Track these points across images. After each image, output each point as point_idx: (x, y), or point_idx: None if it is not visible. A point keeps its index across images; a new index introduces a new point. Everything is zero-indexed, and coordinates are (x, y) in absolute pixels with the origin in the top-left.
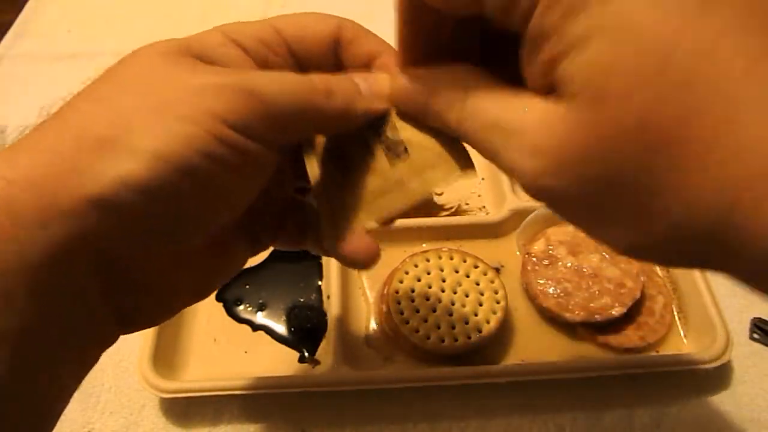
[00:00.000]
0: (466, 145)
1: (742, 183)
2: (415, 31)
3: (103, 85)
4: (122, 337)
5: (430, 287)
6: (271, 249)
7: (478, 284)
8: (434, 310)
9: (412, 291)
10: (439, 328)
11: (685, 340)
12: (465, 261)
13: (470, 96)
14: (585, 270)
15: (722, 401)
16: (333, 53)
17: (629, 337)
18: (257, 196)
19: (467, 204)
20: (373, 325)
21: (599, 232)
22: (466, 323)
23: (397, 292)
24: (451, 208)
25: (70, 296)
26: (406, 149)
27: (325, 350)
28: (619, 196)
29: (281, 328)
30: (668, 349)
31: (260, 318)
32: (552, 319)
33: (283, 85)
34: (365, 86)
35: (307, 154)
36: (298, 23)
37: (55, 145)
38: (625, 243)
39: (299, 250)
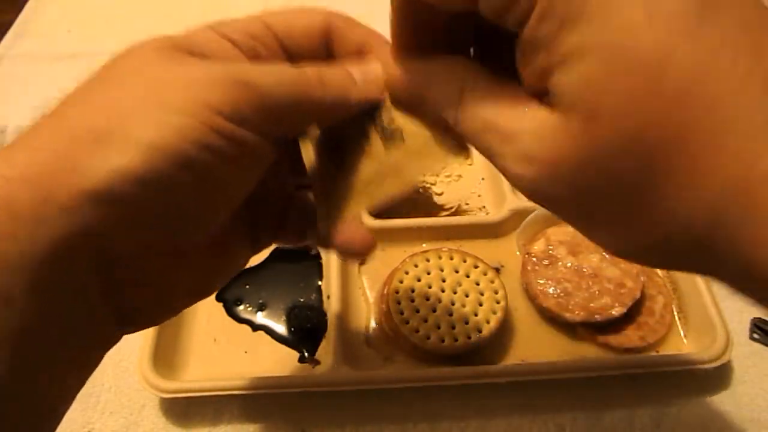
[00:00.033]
0: None
1: (728, 198)
2: (409, 22)
3: (97, 81)
4: (123, 338)
5: (430, 287)
6: (271, 249)
7: (478, 284)
8: (434, 310)
9: (412, 291)
10: (439, 328)
11: (685, 340)
12: (465, 261)
13: (467, 95)
14: (585, 270)
15: (722, 401)
16: (324, 46)
17: (629, 337)
18: (257, 193)
19: (467, 204)
20: (373, 325)
21: (590, 234)
22: (466, 323)
23: (397, 292)
24: (451, 208)
25: (71, 295)
26: (402, 134)
27: (325, 350)
28: (610, 205)
29: (281, 328)
30: (668, 349)
31: (260, 318)
32: (552, 319)
33: (276, 76)
34: (358, 75)
35: (303, 141)
36: (287, 17)
37: (51, 141)
38: (614, 247)
39: (299, 250)
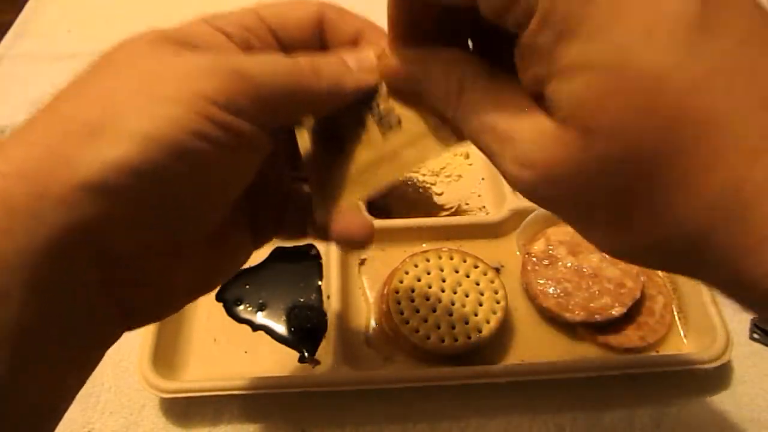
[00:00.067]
0: None
1: (719, 209)
2: (407, 11)
3: (90, 74)
4: (122, 337)
5: (430, 287)
6: (271, 249)
7: (478, 284)
8: (434, 310)
9: (412, 291)
10: (439, 328)
11: (685, 340)
12: (465, 261)
13: (466, 93)
14: (585, 270)
15: (722, 401)
16: (317, 37)
17: (629, 337)
18: (255, 186)
19: (467, 204)
20: (373, 325)
21: (585, 234)
22: (466, 323)
23: (397, 292)
24: (451, 208)
25: (70, 291)
26: (399, 121)
27: (325, 350)
28: (604, 210)
29: (281, 328)
30: (668, 349)
31: (260, 318)
32: (552, 319)
33: (271, 66)
34: (353, 62)
35: (299, 130)
36: (280, 9)
37: (45, 135)
38: (609, 248)
39: (299, 250)
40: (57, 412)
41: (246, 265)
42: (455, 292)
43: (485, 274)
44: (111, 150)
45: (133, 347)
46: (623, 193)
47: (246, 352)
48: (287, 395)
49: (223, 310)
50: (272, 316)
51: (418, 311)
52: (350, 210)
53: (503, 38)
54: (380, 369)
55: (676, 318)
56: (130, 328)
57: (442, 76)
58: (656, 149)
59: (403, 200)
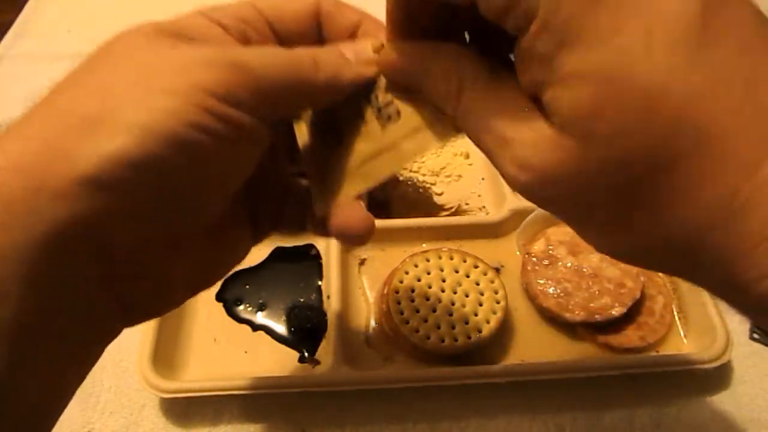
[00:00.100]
0: None
1: (713, 216)
2: (404, 6)
3: (86, 67)
4: (122, 337)
5: (430, 287)
6: (271, 249)
7: (478, 284)
8: (434, 310)
9: (412, 291)
10: (439, 328)
11: (685, 340)
12: (465, 261)
13: (466, 92)
14: (585, 270)
15: (722, 401)
16: (314, 29)
17: (629, 337)
18: (255, 179)
19: (467, 204)
20: (373, 325)
21: (582, 234)
22: (466, 323)
23: (397, 292)
24: (451, 208)
25: (69, 286)
26: (398, 112)
27: (325, 350)
28: (600, 213)
29: (281, 328)
30: (668, 349)
31: (260, 318)
32: (552, 319)
33: (269, 58)
34: (352, 55)
35: (297, 123)
36: (277, 2)
37: (42, 129)
38: (605, 249)
39: (299, 250)
40: (56, 410)
41: (246, 265)
42: (455, 292)
43: (485, 274)
44: (109, 143)
45: (133, 347)
46: (621, 197)
47: (246, 352)
48: (287, 395)
49: (223, 310)
50: (272, 316)
51: (418, 311)
52: (350, 204)
53: (502, 34)
54: (380, 369)
55: (676, 318)
56: (130, 323)
57: (441, 75)
58: (654, 158)
59: (403, 200)
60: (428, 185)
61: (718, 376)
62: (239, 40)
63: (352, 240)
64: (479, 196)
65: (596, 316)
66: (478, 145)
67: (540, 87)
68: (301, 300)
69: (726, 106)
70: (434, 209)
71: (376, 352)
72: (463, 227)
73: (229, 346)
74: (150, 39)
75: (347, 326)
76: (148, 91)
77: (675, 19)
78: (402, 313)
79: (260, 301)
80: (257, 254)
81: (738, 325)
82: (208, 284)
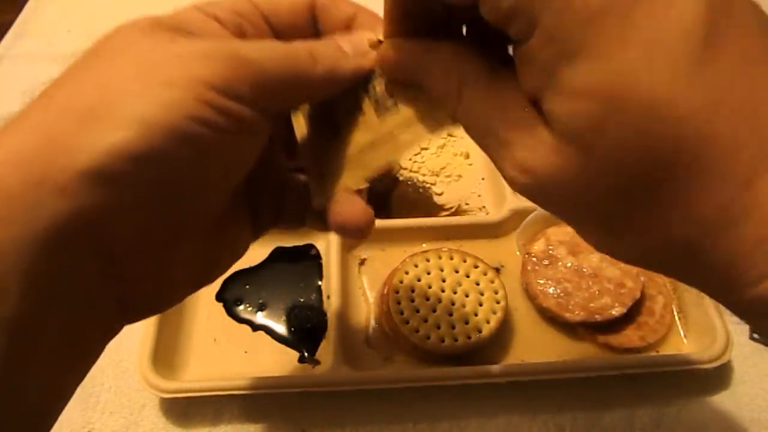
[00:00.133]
0: None
1: (709, 225)
2: (403, 2)
3: (85, 61)
4: (122, 337)
5: (430, 287)
6: (271, 249)
7: (478, 284)
8: (434, 310)
9: (412, 291)
10: (439, 328)
11: (685, 340)
12: (465, 261)
13: (466, 91)
14: (585, 270)
15: (722, 401)
16: (310, 23)
17: (629, 337)
18: (254, 174)
19: (467, 204)
20: (373, 325)
21: (581, 234)
22: (466, 323)
23: (397, 292)
24: (451, 208)
25: (69, 282)
26: (395, 103)
27: (325, 350)
28: (598, 216)
29: (281, 328)
30: (668, 349)
31: (260, 318)
32: (552, 319)
33: (268, 51)
34: (349, 46)
35: (295, 115)
36: None
37: (42, 123)
38: (605, 249)
39: (299, 250)
40: (56, 409)
41: (246, 265)
42: (455, 292)
43: (485, 274)
44: (110, 136)
45: (133, 347)
46: (619, 202)
47: (246, 352)
48: (287, 395)
49: (223, 310)
50: (272, 316)
51: (418, 311)
52: (349, 198)
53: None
54: (380, 369)
55: (676, 318)
56: (131, 320)
57: (441, 74)
58: (652, 171)
59: (403, 200)
60: (428, 185)
61: (718, 376)
62: (235, 34)
63: (353, 233)
64: (479, 196)
65: (596, 316)
66: (478, 143)
67: (540, 93)
68: (301, 300)
69: (725, 122)
70: (434, 209)
71: (376, 352)
72: (463, 227)
73: (229, 346)
74: (148, 33)
75: (347, 326)
76: (148, 84)
77: (678, 35)
78: (402, 313)
79: (260, 301)
80: (257, 254)
81: (738, 325)
82: (209, 280)
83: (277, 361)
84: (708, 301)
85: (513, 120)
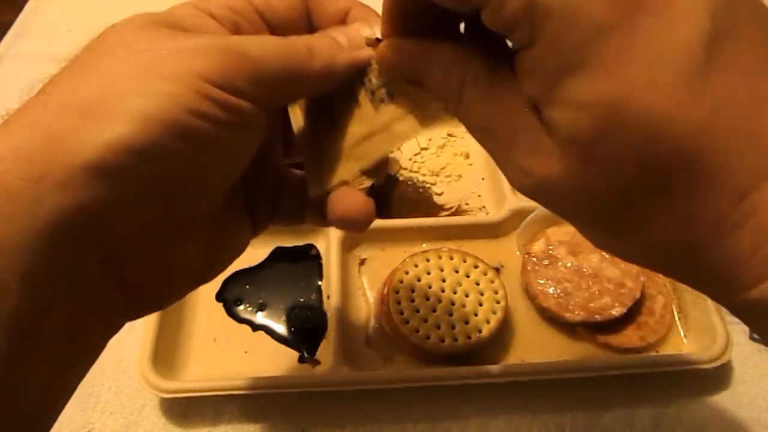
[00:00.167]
0: None
1: (706, 233)
2: (402, 1)
3: (83, 57)
4: (122, 337)
5: (430, 287)
6: (271, 249)
7: (478, 284)
8: (434, 310)
9: (412, 291)
10: (439, 328)
11: (685, 340)
12: (465, 261)
13: (467, 91)
14: (585, 270)
15: (722, 401)
16: (304, 18)
17: (629, 337)
18: (253, 169)
19: (467, 204)
20: (373, 325)
21: (583, 233)
22: (466, 323)
23: (397, 292)
24: (451, 208)
25: (70, 278)
26: (392, 94)
27: (325, 350)
28: (597, 216)
29: (281, 328)
30: (668, 349)
31: (260, 318)
32: (552, 319)
33: (265, 46)
34: (344, 39)
35: (291, 107)
36: None
37: (42, 118)
38: (606, 248)
39: (299, 250)
40: (56, 408)
41: (246, 265)
42: (455, 292)
43: (485, 274)
44: (110, 130)
45: (133, 347)
46: (619, 206)
47: (246, 352)
48: (287, 395)
49: (223, 310)
50: (272, 316)
51: (418, 311)
52: (349, 190)
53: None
54: (380, 369)
55: (676, 318)
56: (132, 316)
57: (441, 74)
58: (651, 181)
59: (403, 200)
60: (428, 185)
61: (718, 376)
62: (231, 30)
63: (354, 226)
64: (479, 196)
65: (596, 316)
66: (479, 142)
67: (540, 101)
68: (301, 300)
69: (723, 138)
70: (434, 209)
71: (376, 352)
72: (463, 227)
73: (229, 346)
74: (146, 29)
75: (347, 326)
76: (147, 79)
77: (680, 53)
78: (402, 313)
79: (260, 301)
80: (257, 254)
81: (738, 325)
82: (210, 277)
83: (277, 361)
84: (708, 301)
85: (513, 122)
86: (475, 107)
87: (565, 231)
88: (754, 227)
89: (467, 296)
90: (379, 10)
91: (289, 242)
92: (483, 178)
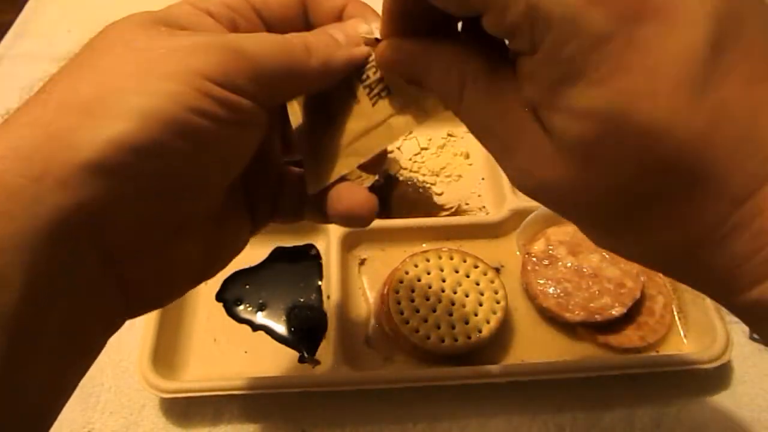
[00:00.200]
0: None
1: (704, 239)
2: (402, 2)
3: (83, 56)
4: (122, 337)
5: (430, 287)
6: (271, 249)
7: (478, 284)
8: (434, 310)
9: (412, 291)
10: (439, 328)
11: (685, 340)
12: (465, 261)
13: (468, 92)
14: (585, 270)
15: (722, 401)
16: (301, 15)
17: (629, 337)
18: (252, 167)
19: (467, 204)
20: (373, 325)
21: (582, 230)
22: (466, 323)
23: (397, 292)
24: (451, 208)
25: (71, 275)
26: (389, 90)
27: (325, 350)
28: (597, 217)
29: (281, 328)
30: (668, 349)
31: (260, 318)
32: (552, 319)
33: (265, 44)
34: (341, 36)
35: (290, 104)
36: None
37: (42, 117)
38: (607, 248)
39: (299, 250)
40: (56, 407)
41: (246, 265)
42: (455, 292)
43: (485, 274)
44: (110, 128)
45: (133, 347)
46: (619, 208)
47: (246, 352)
48: (287, 395)
49: (223, 310)
50: (272, 316)
51: (418, 311)
52: (350, 186)
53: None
54: (380, 369)
55: (676, 318)
56: (132, 314)
57: (441, 75)
58: (651, 187)
59: (403, 200)
60: (428, 185)
61: (718, 376)
62: (228, 28)
63: (357, 222)
64: (479, 196)
65: (596, 316)
66: (480, 142)
67: (539, 106)
68: (301, 300)
69: (723, 145)
70: (434, 209)
71: (376, 352)
72: (463, 227)
73: (229, 346)
74: (144, 27)
75: (347, 326)
76: (147, 78)
77: (681, 59)
78: (402, 313)
79: (260, 301)
80: (257, 254)
81: (738, 325)
82: (209, 275)
83: (277, 361)
84: (708, 301)
85: (513, 123)
86: (476, 107)
87: (565, 231)
88: (756, 229)
89: (467, 296)
90: (379, 9)
91: (289, 242)
92: (483, 178)
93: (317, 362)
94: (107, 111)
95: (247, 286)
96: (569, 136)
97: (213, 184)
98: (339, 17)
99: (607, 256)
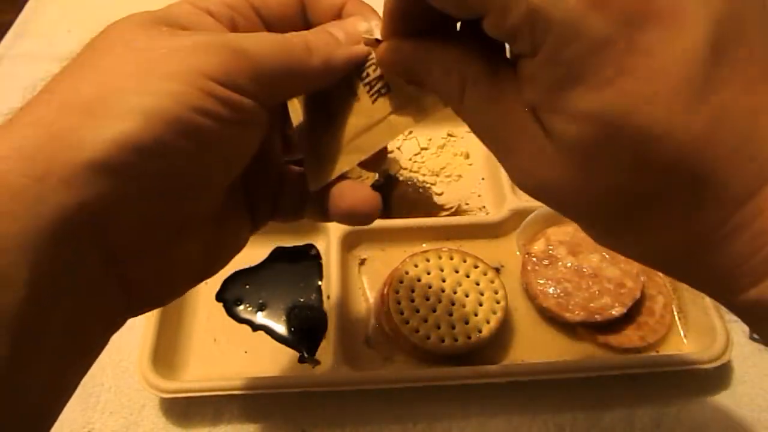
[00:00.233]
0: None
1: (702, 241)
2: (403, 3)
3: (85, 56)
4: (122, 337)
5: (430, 287)
6: (271, 249)
7: (478, 284)
8: (434, 310)
9: (412, 291)
10: (439, 328)
11: (685, 340)
12: (465, 261)
13: (469, 92)
14: (585, 270)
15: (722, 401)
16: (300, 14)
17: (629, 337)
18: (252, 165)
19: (467, 204)
20: (373, 325)
21: (583, 229)
22: (466, 323)
23: (397, 293)
24: (451, 208)
25: (73, 274)
26: (389, 87)
27: (325, 350)
28: (597, 216)
29: (281, 328)
30: (668, 349)
31: (260, 318)
32: (552, 319)
33: (263, 43)
34: (341, 34)
35: (291, 102)
36: None
37: (45, 116)
38: (603, 244)
39: (299, 250)
40: (57, 406)
41: (246, 265)
42: (455, 292)
43: (485, 274)
44: (113, 128)
45: (133, 347)
46: (618, 209)
47: (246, 352)
48: (287, 395)
49: (223, 310)
50: (272, 316)
51: (418, 311)
52: (353, 184)
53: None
54: (380, 369)
55: (676, 318)
56: (133, 314)
57: (442, 75)
58: (650, 190)
59: (403, 200)
60: (428, 185)
61: (718, 376)
62: (228, 27)
63: (360, 219)
64: (479, 196)
65: (596, 316)
66: (482, 141)
67: (539, 108)
68: (301, 300)
69: (722, 149)
70: (434, 209)
71: (376, 352)
72: (463, 227)
73: (229, 346)
74: (146, 27)
75: (347, 326)
76: (149, 77)
77: (681, 62)
78: (402, 313)
79: (260, 301)
80: (257, 254)
81: (738, 325)
82: (210, 274)
83: (277, 361)
84: (708, 301)
85: (514, 124)
86: (476, 108)
87: (565, 231)
88: (756, 230)
89: (467, 296)
90: (380, 10)
91: (289, 242)
92: (483, 178)
93: (317, 362)
94: (109, 111)
95: (247, 286)
96: (569, 138)
97: (214, 184)
98: (338, 15)
99: (607, 256)
